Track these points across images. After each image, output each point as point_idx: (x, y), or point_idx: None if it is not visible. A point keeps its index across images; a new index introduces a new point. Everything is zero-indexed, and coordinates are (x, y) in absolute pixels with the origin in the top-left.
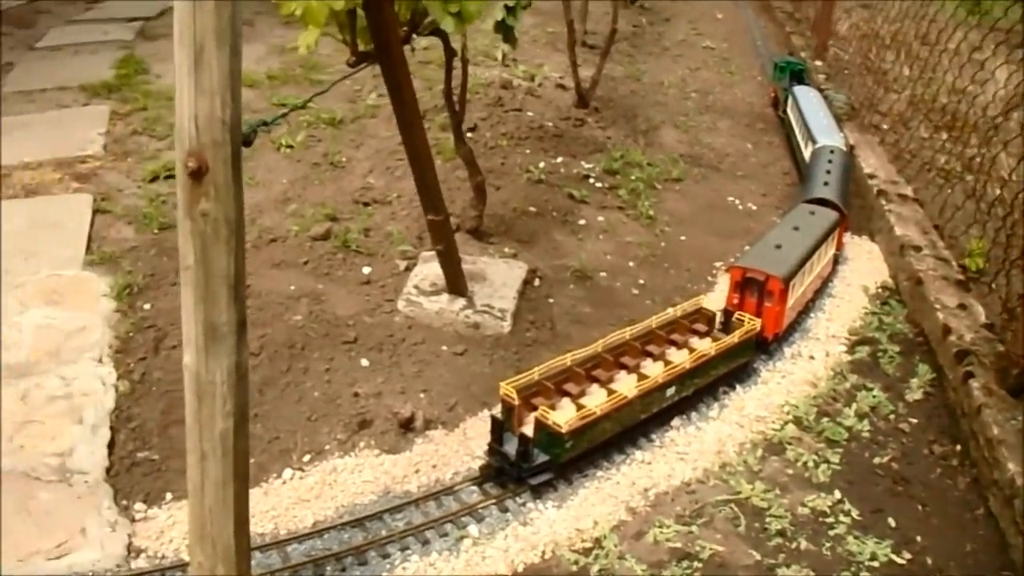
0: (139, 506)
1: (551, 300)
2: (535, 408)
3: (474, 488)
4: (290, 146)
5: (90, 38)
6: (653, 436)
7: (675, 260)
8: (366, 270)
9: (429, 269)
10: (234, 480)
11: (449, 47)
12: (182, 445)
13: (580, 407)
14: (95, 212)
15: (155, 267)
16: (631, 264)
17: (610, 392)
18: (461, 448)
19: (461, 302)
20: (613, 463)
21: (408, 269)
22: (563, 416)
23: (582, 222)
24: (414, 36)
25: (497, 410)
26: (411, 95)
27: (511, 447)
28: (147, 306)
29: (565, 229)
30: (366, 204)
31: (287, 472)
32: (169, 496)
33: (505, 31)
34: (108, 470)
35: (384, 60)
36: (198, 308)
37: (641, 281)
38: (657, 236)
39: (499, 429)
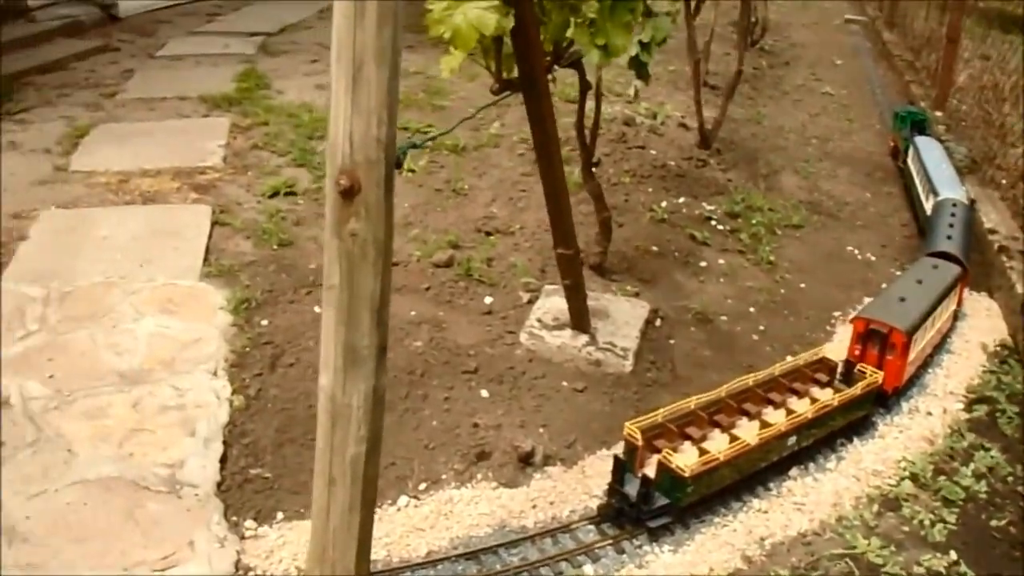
0: (249, 523)
1: (672, 341)
2: (657, 450)
3: (591, 527)
4: (412, 171)
5: (211, 50)
6: (771, 485)
7: (795, 308)
8: (488, 300)
9: (552, 303)
10: (361, 507)
11: (584, 80)
12: (295, 464)
13: (703, 451)
14: (213, 224)
15: (273, 283)
16: (751, 309)
17: (732, 438)
18: (579, 486)
19: (584, 338)
20: (730, 510)
21: (531, 302)
22: (686, 459)
23: (703, 264)
24: (555, 67)
25: (617, 450)
26: (553, 126)
27: (632, 488)
28: (264, 322)
29: (687, 270)
30: (488, 233)
31: (402, 499)
32: (280, 515)
33: (639, 67)
34: (219, 485)
35: (528, 89)
36: (339, 329)
37: (761, 327)
38: (777, 282)
39: (621, 469)
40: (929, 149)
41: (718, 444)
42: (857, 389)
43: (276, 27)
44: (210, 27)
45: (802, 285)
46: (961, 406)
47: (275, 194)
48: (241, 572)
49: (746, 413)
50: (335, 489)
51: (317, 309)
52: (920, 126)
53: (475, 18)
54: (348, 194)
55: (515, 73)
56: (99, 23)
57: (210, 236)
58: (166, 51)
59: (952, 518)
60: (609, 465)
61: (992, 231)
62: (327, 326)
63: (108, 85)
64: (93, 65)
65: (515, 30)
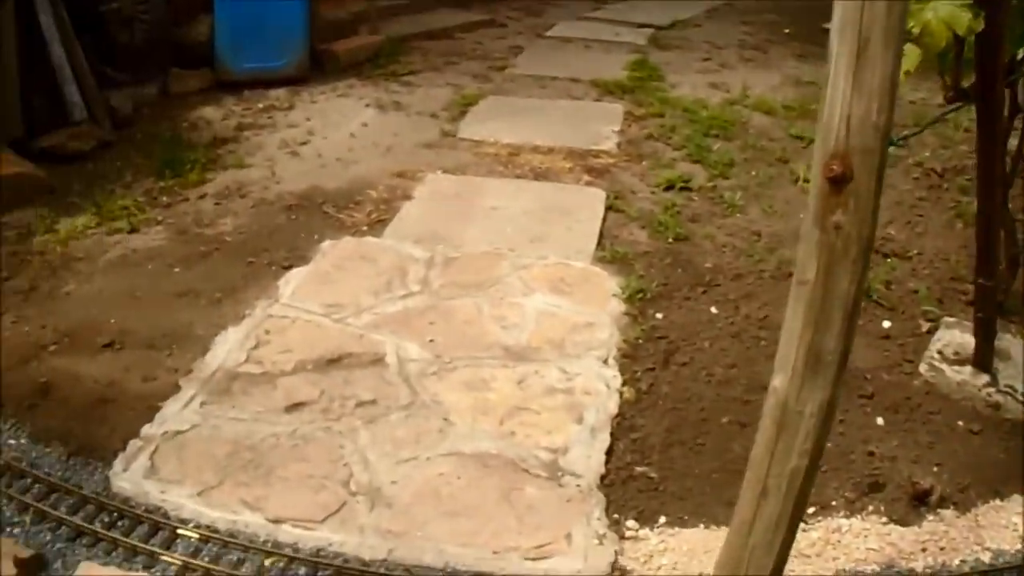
0: (630, 523)
1: None
2: None
3: None
4: (807, 180)
5: (601, 36)
6: None
7: None
8: (886, 324)
9: (952, 336)
10: (788, 524)
11: (1016, 101)
12: (683, 468)
13: None
14: (607, 209)
15: (668, 277)
16: None
17: None
18: (971, 535)
19: (984, 378)
20: None
21: (930, 332)
22: None
23: None
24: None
25: (1012, 502)
26: (1004, 145)
27: None
28: (659, 315)
29: None
30: (887, 256)
31: None
32: (663, 519)
33: None
34: (602, 478)
35: (984, 101)
36: (806, 329)
37: None
38: None
39: None
40: None
41: None
42: None
43: (666, 21)
44: (598, 14)
45: None
46: None
47: (670, 187)
48: (617, 573)
49: None
50: (765, 502)
51: (713, 310)
52: None
53: (947, 15)
54: (838, 182)
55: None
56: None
57: (604, 220)
58: (555, 32)
59: None
60: (1005, 517)
61: None
62: (792, 324)
63: (496, 59)
64: (480, 38)
65: (983, 34)
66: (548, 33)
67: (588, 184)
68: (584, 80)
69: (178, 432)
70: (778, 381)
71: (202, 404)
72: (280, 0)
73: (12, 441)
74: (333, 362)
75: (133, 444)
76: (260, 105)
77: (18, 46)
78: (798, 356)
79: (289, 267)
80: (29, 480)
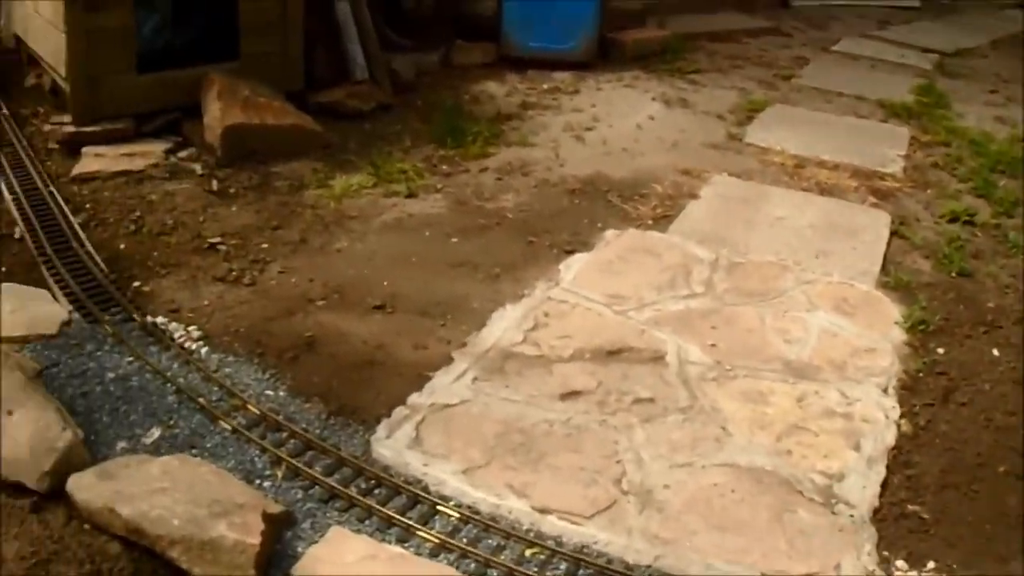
0: (900, 563)
1: None
2: None
3: None
4: None
5: (886, 56)
6: None
7: None
8: None
9: None
10: None
11: None
12: (955, 512)
13: None
14: (892, 234)
15: (950, 312)
16: None
17: None
18: None
19: None
20: None
21: None
22: None
23: None
24: None
25: None
26: None
27: None
28: (940, 350)
29: None
30: None
31: None
32: (931, 564)
33: None
34: (875, 512)
35: None
36: None
37: None
38: None
39: None
40: None
41: None
42: None
43: (951, 48)
44: (883, 33)
45: None
46: None
47: (954, 219)
48: None
49: None
50: None
51: (995, 352)
52: None
53: None
54: None
55: None
56: (770, 5)
57: (888, 245)
58: (840, 47)
59: None
60: None
61: None
62: None
63: (782, 67)
64: (764, 44)
65: None
66: (833, 48)
67: (873, 206)
68: (870, 99)
69: (447, 405)
70: None
71: (474, 380)
72: None
73: (270, 392)
74: (612, 354)
75: (399, 411)
76: (545, 86)
77: (306, 1)
78: None
79: (571, 251)
80: (285, 434)
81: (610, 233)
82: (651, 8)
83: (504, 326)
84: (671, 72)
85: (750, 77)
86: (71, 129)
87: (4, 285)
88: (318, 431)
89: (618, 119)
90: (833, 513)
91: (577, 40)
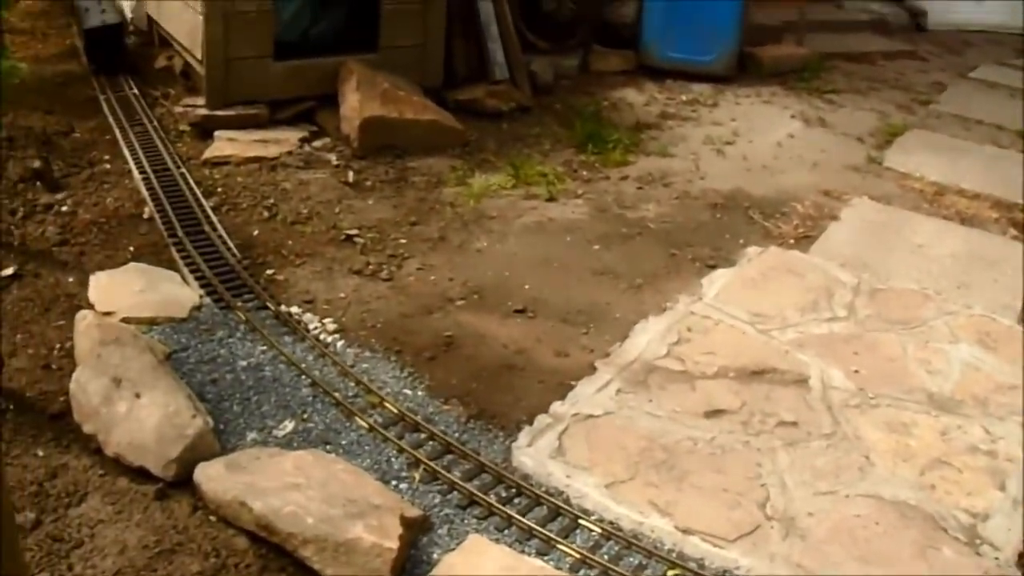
0: None
1: None
2: None
3: None
4: None
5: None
6: None
7: None
8: None
9: None
10: None
11: None
12: None
13: None
14: None
15: None
16: None
17: None
18: None
19: None
20: None
21: None
22: None
23: None
24: None
25: None
26: None
27: None
28: None
29: None
30: None
31: None
32: None
33: None
34: (1021, 556)
35: None
36: None
37: None
38: None
39: None
40: None
41: None
42: None
43: None
44: (1018, 61)
45: None
46: None
47: None
48: None
49: None
50: None
51: None
52: None
53: None
54: None
55: None
56: (905, 28)
57: None
58: (978, 74)
59: None
60: None
61: None
62: None
63: (919, 92)
64: (901, 68)
65: None
66: (971, 74)
67: (1015, 238)
68: (1010, 129)
69: (590, 416)
70: None
71: (617, 391)
72: None
73: (408, 391)
74: (756, 374)
75: (541, 419)
76: (684, 97)
77: None
78: None
79: (713, 266)
80: (423, 435)
81: (752, 250)
82: (789, 26)
83: (648, 338)
84: (809, 91)
85: (888, 100)
86: (204, 112)
87: (132, 265)
88: (457, 435)
89: (758, 135)
90: (978, 554)
91: (717, 53)
